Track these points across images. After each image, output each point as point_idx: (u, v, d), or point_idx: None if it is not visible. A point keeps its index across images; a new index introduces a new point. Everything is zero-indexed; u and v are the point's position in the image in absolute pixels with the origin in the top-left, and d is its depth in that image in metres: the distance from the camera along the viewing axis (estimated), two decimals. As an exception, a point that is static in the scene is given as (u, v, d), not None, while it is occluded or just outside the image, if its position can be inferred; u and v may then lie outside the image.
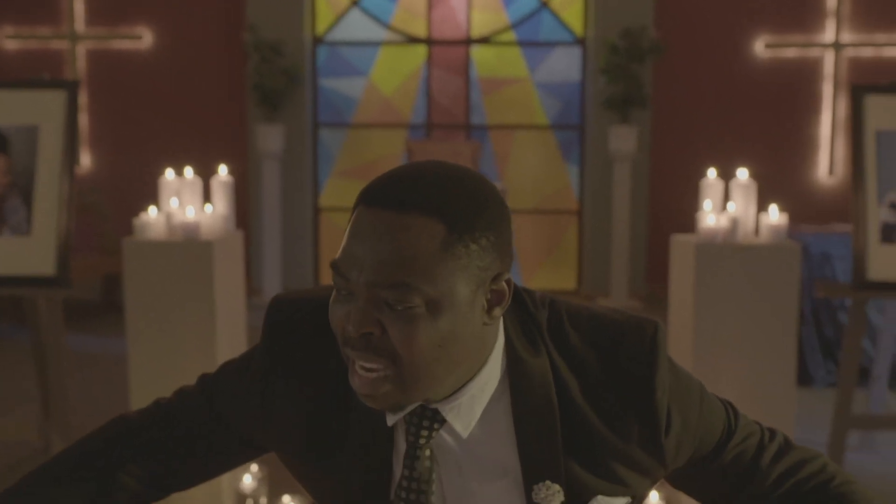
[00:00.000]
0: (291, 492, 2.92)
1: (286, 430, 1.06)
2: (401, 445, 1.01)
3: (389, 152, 7.61)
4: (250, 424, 1.10)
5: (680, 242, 3.08)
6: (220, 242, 2.97)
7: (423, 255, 0.89)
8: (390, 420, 1.00)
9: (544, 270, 7.54)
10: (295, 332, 1.06)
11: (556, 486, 0.97)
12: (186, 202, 3.05)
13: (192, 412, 1.14)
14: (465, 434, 0.98)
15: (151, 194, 5.69)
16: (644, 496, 1.06)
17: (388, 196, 0.92)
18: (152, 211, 3.05)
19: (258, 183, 7.01)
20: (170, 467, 1.14)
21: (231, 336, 3.10)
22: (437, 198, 0.91)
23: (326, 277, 7.74)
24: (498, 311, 0.95)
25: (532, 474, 0.98)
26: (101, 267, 6.26)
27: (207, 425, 1.12)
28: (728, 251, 2.89)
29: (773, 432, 1.11)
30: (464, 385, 0.97)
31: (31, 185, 3.12)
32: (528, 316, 1.01)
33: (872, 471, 3.53)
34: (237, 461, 1.20)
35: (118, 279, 6.34)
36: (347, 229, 0.95)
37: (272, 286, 6.97)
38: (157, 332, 2.94)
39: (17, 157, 3.15)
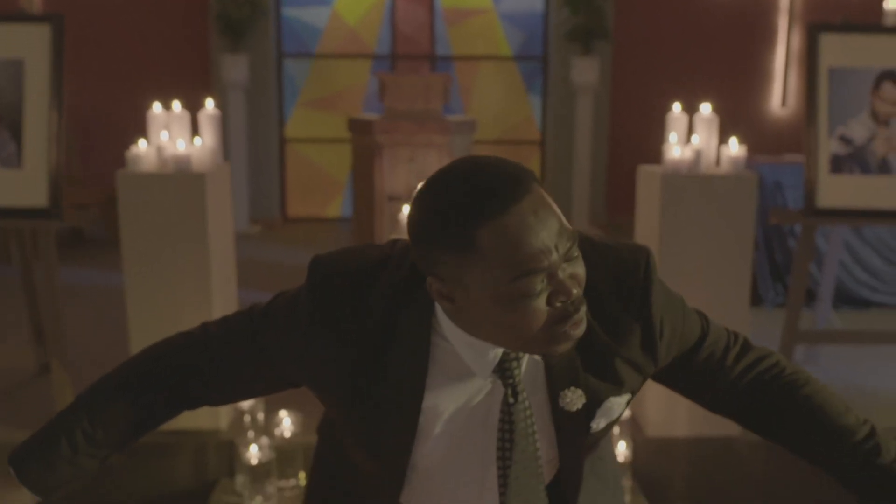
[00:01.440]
0: (288, 407, 3.12)
1: (323, 378, 1.19)
2: (434, 399, 1.16)
3: (354, 82, 7.64)
4: (289, 364, 1.22)
5: (646, 173, 3.28)
6: (211, 174, 3.08)
7: (556, 207, 1.06)
8: (486, 374, 1.14)
9: (507, 200, 7.73)
10: (335, 293, 1.16)
11: (579, 391, 1.16)
12: (175, 135, 3.14)
13: (237, 342, 1.26)
14: (539, 356, 1.15)
15: (113, 125, 5.70)
16: (637, 391, 1.25)
17: (515, 189, 1.02)
18: (142, 143, 3.14)
19: (224, 114, 7.01)
20: (209, 389, 1.29)
21: (222, 265, 3.23)
22: (525, 170, 1.06)
23: (293, 207, 7.84)
24: None
25: (556, 385, 1.16)
26: (66, 197, 6.25)
27: (250, 356, 1.25)
28: (692, 181, 3.09)
29: (736, 335, 1.32)
30: None
31: (20, 120, 3.18)
32: None
33: (815, 382, 3.84)
34: (272, 391, 1.34)
35: (84, 209, 6.35)
36: (511, 237, 1.00)
37: (241, 217, 7.05)
38: (153, 262, 3.06)
39: (2, 91, 3.20)
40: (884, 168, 3.30)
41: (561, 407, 1.16)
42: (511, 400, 1.16)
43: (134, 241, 3.05)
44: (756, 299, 4.90)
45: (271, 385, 1.30)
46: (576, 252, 1.05)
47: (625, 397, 1.20)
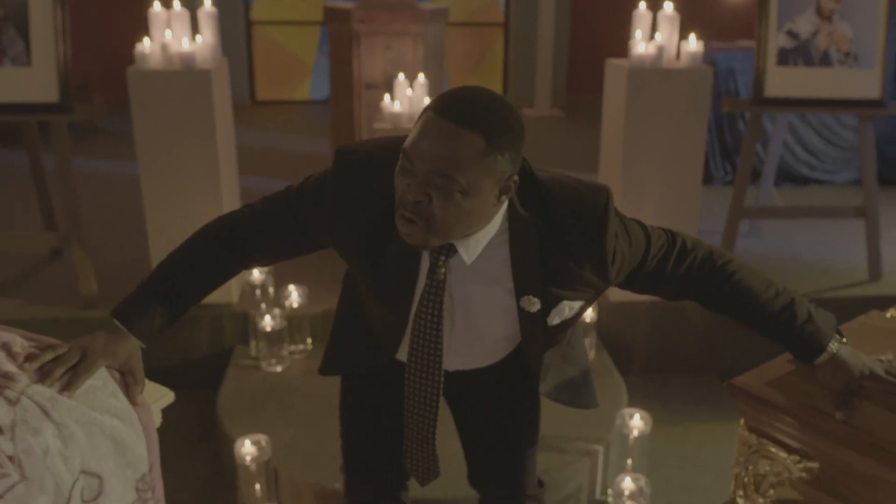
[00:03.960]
0: (295, 282, 3.49)
1: (346, 242, 1.54)
2: (426, 265, 1.52)
3: (318, -36, 7.64)
4: (320, 231, 1.56)
5: (614, 66, 3.58)
6: (215, 70, 3.31)
7: (466, 158, 1.28)
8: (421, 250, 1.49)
9: (472, 81, 7.93)
10: (356, 178, 1.48)
11: (535, 299, 1.51)
12: (178, 33, 3.34)
13: (278, 216, 1.59)
14: (468, 261, 1.49)
15: (74, 12, 5.60)
16: (593, 301, 1.60)
17: (452, 111, 1.28)
18: (146, 42, 3.33)
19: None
20: (260, 252, 1.63)
21: (226, 153, 3.51)
22: (484, 120, 1.28)
23: (262, 91, 7.97)
24: (504, 198, 1.42)
25: (521, 289, 1.51)
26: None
27: (290, 226, 1.58)
28: (655, 75, 3.41)
29: (674, 239, 1.61)
30: (474, 233, 1.46)
31: (26, 18, 3.34)
32: (526, 181, 1.48)
33: (757, 252, 4.32)
34: (308, 251, 1.67)
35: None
36: (418, 126, 1.31)
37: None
38: (164, 153, 3.32)
39: (5, -11, 3.33)
40: (825, 61, 3.65)
41: (522, 307, 1.52)
42: (433, 268, 1.50)
43: (146, 134, 3.30)
44: (707, 177, 5.33)
45: (307, 247, 1.63)
46: (443, 188, 1.30)
47: (577, 303, 1.54)
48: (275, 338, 3.28)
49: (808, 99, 3.70)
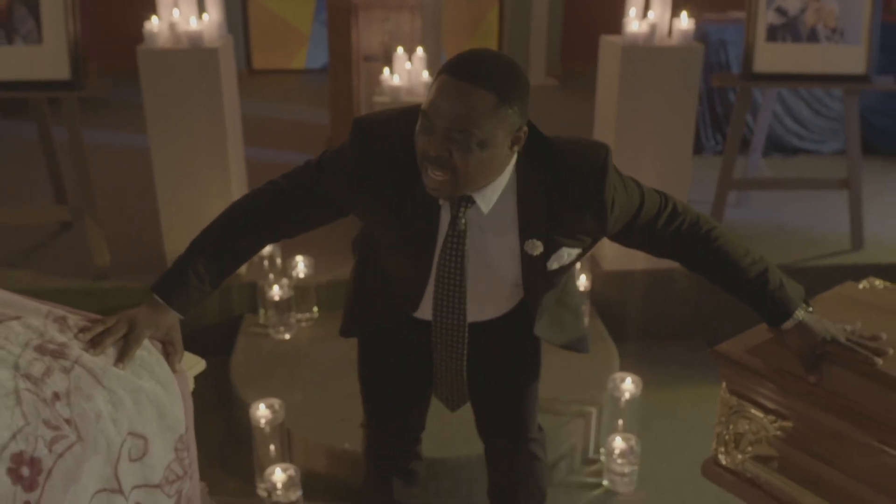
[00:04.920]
0: (302, 253, 3.62)
1: (369, 204, 1.67)
2: (445, 218, 1.66)
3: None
4: (343, 197, 1.69)
5: (608, 43, 3.69)
6: (222, 48, 3.41)
7: (481, 113, 1.42)
8: (442, 203, 1.64)
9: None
10: (374, 143, 1.62)
11: (539, 242, 1.66)
12: (185, 12, 3.43)
13: (302, 189, 1.71)
14: (486, 210, 1.63)
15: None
16: (590, 249, 1.75)
17: (465, 72, 1.43)
18: (154, 20, 3.42)
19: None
20: (287, 225, 1.75)
21: (233, 127, 3.62)
22: (494, 78, 1.43)
23: (258, 60, 8.00)
24: (516, 148, 1.57)
25: (525, 234, 1.66)
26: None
27: (313, 197, 1.71)
28: (647, 52, 3.52)
29: (667, 200, 1.76)
30: (489, 183, 1.60)
31: (36, -4, 3.42)
32: (532, 139, 1.63)
33: (745, 221, 4.46)
34: (329, 220, 1.79)
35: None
36: (434, 88, 1.45)
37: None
38: (174, 129, 3.43)
39: (14, -33, 3.41)
40: (812, 37, 3.77)
41: (525, 250, 1.67)
42: (454, 219, 1.64)
43: (156, 110, 3.41)
44: (698, 147, 5.45)
45: (329, 215, 1.76)
46: (462, 142, 1.44)
47: (576, 250, 1.69)
48: (283, 306, 3.42)
49: (796, 74, 3.82)
